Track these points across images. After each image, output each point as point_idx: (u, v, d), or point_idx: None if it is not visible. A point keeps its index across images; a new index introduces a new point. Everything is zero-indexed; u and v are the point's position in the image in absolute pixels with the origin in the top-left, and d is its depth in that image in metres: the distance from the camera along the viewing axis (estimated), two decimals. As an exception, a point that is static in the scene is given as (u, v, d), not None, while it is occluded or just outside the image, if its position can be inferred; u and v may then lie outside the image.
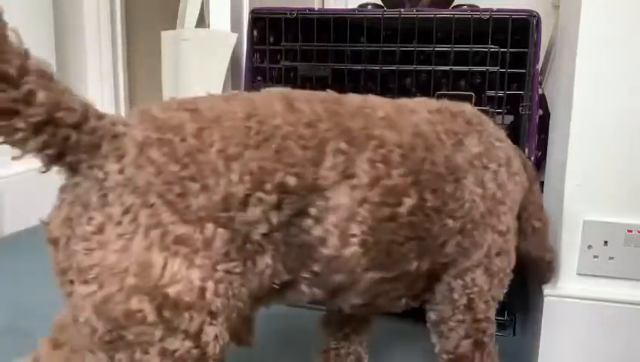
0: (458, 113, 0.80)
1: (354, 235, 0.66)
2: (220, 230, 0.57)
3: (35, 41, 1.90)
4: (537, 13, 1.13)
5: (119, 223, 0.54)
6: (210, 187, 0.57)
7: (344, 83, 1.28)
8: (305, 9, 1.29)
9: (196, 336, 0.56)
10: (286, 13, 1.27)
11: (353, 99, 0.73)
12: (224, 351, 0.59)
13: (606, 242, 1.00)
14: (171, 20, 1.67)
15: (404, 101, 0.79)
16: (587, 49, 0.97)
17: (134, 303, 0.53)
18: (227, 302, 0.58)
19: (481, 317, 0.80)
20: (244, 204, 0.59)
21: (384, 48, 1.25)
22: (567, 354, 1.04)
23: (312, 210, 0.64)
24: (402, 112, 0.74)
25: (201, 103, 0.63)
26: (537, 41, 1.13)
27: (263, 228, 0.61)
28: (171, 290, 0.54)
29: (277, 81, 1.34)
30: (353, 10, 1.38)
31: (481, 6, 1.20)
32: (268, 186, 0.60)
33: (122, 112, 2.26)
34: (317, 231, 0.64)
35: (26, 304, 1.28)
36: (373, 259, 0.69)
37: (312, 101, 0.68)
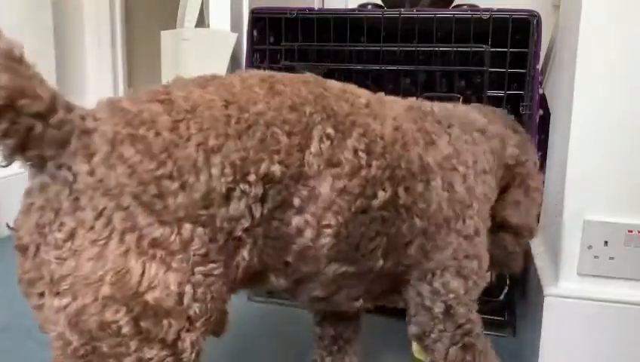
0: (428, 112, 0.78)
1: (329, 226, 0.64)
2: (200, 230, 0.54)
3: (35, 42, 1.92)
4: (538, 13, 1.13)
5: (92, 228, 0.50)
6: (189, 184, 0.53)
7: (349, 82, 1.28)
8: (305, 9, 1.29)
9: (173, 344, 0.54)
10: (286, 13, 1.27)
11: (335, 83, 0.71)
12: (199, 357, 0.57)
13: (606, 242, 1.00)
14: (171, 20, 1.67)
15: (379, 94, 0.78)
16: (587, 49, 0.97)
17: (109, 314, 0.50)
18: (205, 307, 0.55)
19: (462, 322, 0.77)
20: (227, 198, 0.56)
21: (384, 48, 1.25)
22: (568, 354, 1.04)
23: (296, 201, 0.61)
24: (383, 104, 0.73)
25: (175, 92, 0.58)
26: (537, 40, 1.13)
27: (245, 223, 0.58)
28: (149, 297, 0.51)
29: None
30: (353, 10, 1.38)
31: (481, 6, 1.20)
32: (252, 177, 0.57)
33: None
34: (296, 222, 0.62)
35: (25, 304, 1.28)
36: (340, 252, 0.67)
37: (294, 83, 0.65)
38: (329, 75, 1.32)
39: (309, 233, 0.63)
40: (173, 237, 0.52)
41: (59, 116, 0.51)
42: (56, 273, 0.51)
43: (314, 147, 0.62)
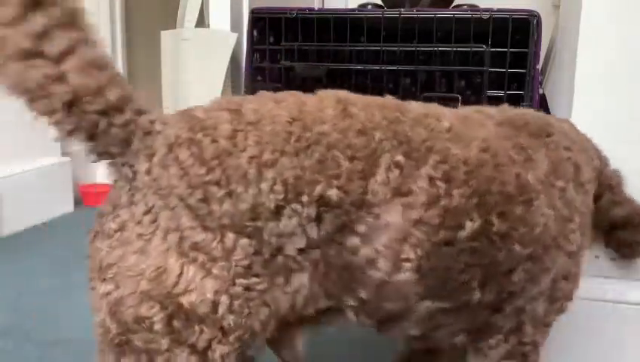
0: (521, 126, 0.72)
1: (407, 259, 0.60)
2: (244, 241, 0.54)
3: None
4: (537, 13, 1.13)
5: (139, 223, 0.53)
6: (236, 194, 0.53)
7: (343, 83, 1.28)
8: (305, 9, 1.29)
9: (203, 352, 0.54)
10: (286, 13, 1.27)
11: (416, 107, 0.67)
12: None
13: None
14: (171, 20, 1.67)
15: (467, 112, 0.73)
16: (587, 49, 0.97)
17: (144, 309, 0.52)
18: (241, 322, 0.54)
19: (526, 341, 0.72)
20: (277, 214, 0.55)
21: (384, 48, 1.25)
22: (568, 355, 1.04)
23: (360, 227, 0.58)
24: (469, 125, 0.68)
25: (248, 104, 0.59)
26: (537, 40, 1.13)
27: (299, 243, 0.56)
28: (184, 300, 0.52)
29: (277, 81, 1.34)
30: (353, 10, 1.38)
31: (481, 6, 1.20)
32: (305, 198, 0.55)
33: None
34: (365, 252, 0.59)
35: (26, 304, 1.28)
36: (429, 287, 0.62)
37: (370, 107, 0.62)
38: (329, 75, 1.32)
39: (383, 265, 0.60)
40: (214, 244, 0.53)
41: (124, 117, 0.54)
42: (104, 260, 0.54)
43: (380, 175, 0.58)
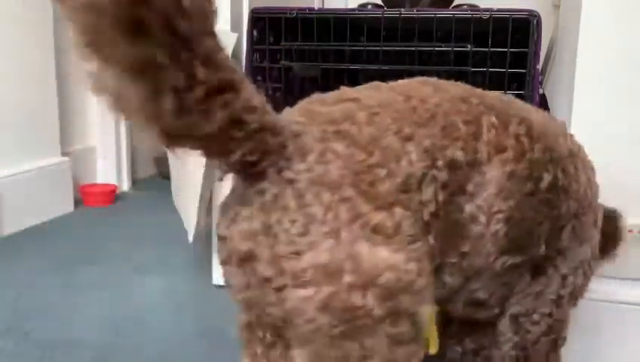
0: (552, 117, 0.81)
1: (500, 211, 0.66)
2: (406, 213, 0.57)
3: (35, 42, 1.90)
4: (538, 13, 1.13)
5: (323, 222, 0.54)
6: (393, 170, 0.57)
7: (342, 82, 1.28)
8: (305, 9, 1.29)
9: (414, 316, 0.57)
10: (286, 13, 1.27)
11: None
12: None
13: (606, 242, 0.99)
14: (171, 20, 1.67)
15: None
16: (587, 49, 0.97)
17: (356, 299, 0.53)
18: (428, 280, 0.58)
19: (563, 318, 0.78)
20: (421, 183, 0.59)
21: (384, 48, 1.25)
22: (567, 355, 1.04)
23: (470, 187, 0.64)
24: (516, 100, 0.76)
25: (355, 94, 0.63)
26: (538, 40, 1.13)
27: (431, 207, 0.60)
28: (385, 278, 0.54)
29: (277, 81, 1.34)
30: (353, 10, 1.38)
31: (481, 6, 1.20)
32: (440, 163, 0.60)
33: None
34: (469, 208, 0.64)
35: (25, 304, 1.28)
36: (512, 240, 0.68)
37: (449, 83, 0.70)
38: (328, 74, 1.32)
39: (482, 219, 0.65)
40: (389, 222, 0.55)
41: (278, 125, 0.55)
42: (296, 267, 0.54)
43: (484, 135, 0.65)
